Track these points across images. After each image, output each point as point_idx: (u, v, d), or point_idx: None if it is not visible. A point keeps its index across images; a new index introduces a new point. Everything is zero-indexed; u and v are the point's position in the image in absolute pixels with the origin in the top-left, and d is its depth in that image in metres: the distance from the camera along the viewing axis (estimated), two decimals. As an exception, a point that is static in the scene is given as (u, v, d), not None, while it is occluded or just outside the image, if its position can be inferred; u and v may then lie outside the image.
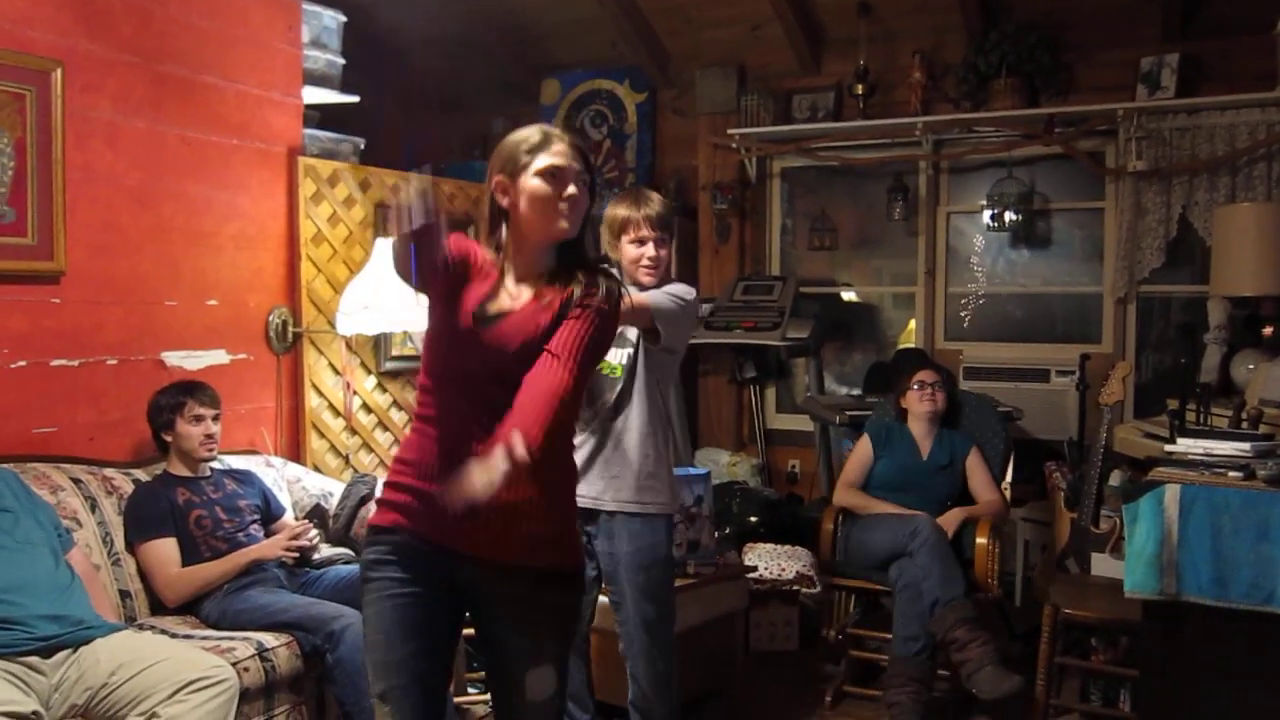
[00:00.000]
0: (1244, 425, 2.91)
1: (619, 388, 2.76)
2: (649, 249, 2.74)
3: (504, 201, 1.98)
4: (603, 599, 2.90)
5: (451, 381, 1.96)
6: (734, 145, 5.30)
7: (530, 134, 1.99)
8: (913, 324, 5.29)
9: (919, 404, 3.82)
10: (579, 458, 2.64)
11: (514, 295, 1.97)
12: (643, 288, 2.75)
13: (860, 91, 5.04)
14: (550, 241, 1.99)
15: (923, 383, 3.84)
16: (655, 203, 2.78)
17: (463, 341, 1.94)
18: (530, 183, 1.94)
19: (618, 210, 2.77)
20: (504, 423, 1.78)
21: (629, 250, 2.76)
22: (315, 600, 2.99)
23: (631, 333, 2.76)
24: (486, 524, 1.90)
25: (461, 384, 1.94)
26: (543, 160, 1.95)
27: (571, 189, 1.95)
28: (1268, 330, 3.92)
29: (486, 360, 1.93)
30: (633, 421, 2.74)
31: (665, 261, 2.80)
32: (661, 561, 2.77)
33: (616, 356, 2.78)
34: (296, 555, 3.15)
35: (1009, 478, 3.91)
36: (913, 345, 5.17)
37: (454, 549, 1.94)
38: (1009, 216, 4.85)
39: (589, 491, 2.70)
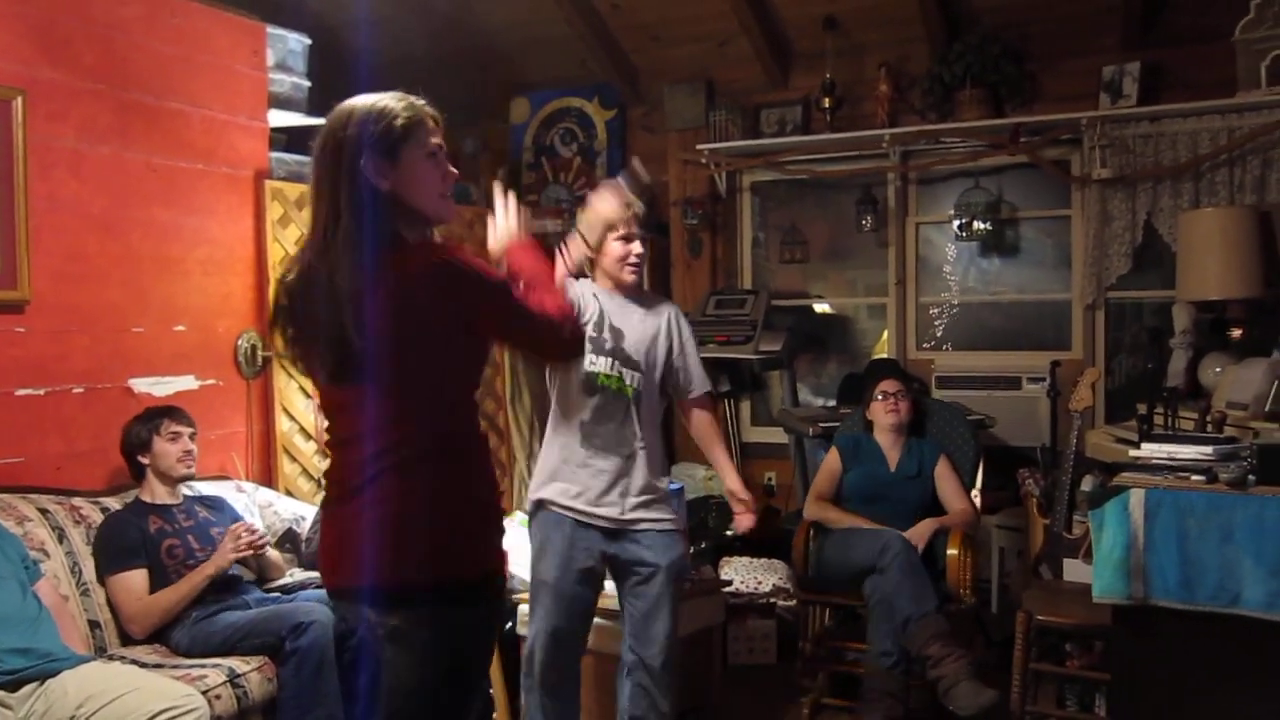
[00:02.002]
0: (1209, 429, 2.94)
1: (633, 409, 2.83)
2: (636, 246, 2.83)
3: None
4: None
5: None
6: (704, 160, 5.32)
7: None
8: (886, 334, 5.31)
9: (884, 415, 3.84)
10: (601, 481, 2.76)
11: None
12: (626, 285, 2.87)
13: (828, 105, 5.07)
14: None
15: (886, 393, 3.86)
16: (636, 202, 2.86)
17: None
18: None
19: (599, 210, 2.83)
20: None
21: (615, 248, 2.83)
22: (285, 606, 2.99)
23: (640, 354, 2.83)
24: None
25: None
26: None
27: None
28: (1236, 333, 3.96)
29: None
30: (647, 440, 2.85)
31: (645, 259, 2.91)
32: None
33: (629, 378, 2.82)
34: (250, 553, 3.09)
35: (979, 485, 3.92)
36: (886, 355, 5.20)
37: None
38: (977, 226, 4.89)
39: (611, 513, 2.80)
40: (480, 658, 1.89)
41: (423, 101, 1.86)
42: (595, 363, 2.82)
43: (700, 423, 3.01)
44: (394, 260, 1.74)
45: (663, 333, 2.92)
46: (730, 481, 2.99)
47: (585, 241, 2.85)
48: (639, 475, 2.84)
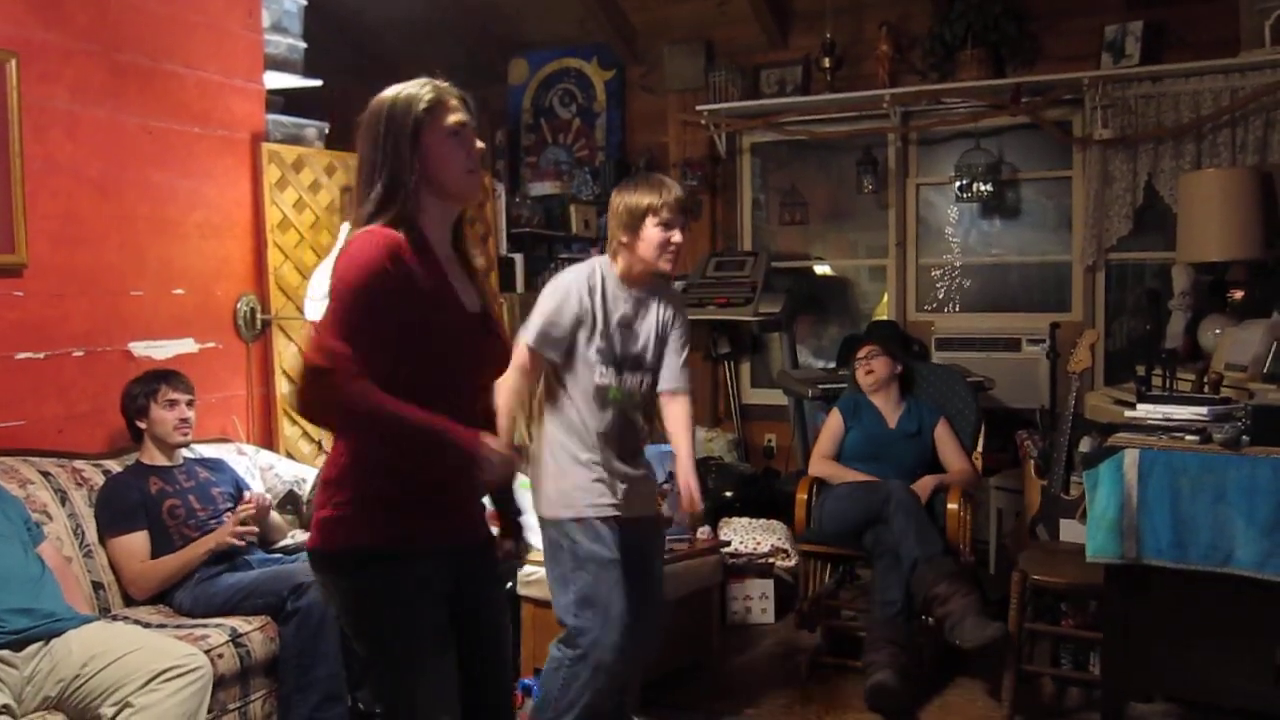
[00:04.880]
0: (1206, 390, 2.94)
1: (641, 412, 2.83)
2: (675, 234, 2.75)
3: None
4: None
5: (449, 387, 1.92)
6: (703, 121, 5.30)
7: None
8: (886, 296, 5.31)
9: (862, 378, 3.93)
10: (618, 482, 2.76)
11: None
12: (662, 273, 2.80)
13: (827, 65, 5.04)
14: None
15: (859, 359, 3.95)
16: (677, 188, 2.79)
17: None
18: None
19: (640, 196, 2.74)
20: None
21: (653, 234, 2.73)
22: (287, 567, 3.02)
23: (650, 354, 2.82)
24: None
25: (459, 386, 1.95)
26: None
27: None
28: (1237, 295, 3.95)
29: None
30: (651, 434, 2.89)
31: (682, 249, 2.82)
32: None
33: (638, 382, 2.81)
34: (254, 534, 3.10)
35: (980, 447, 3.94)
36: (886, 318, 5.20)
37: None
38: (978, 187, 4.87)
39: (629, 512, 2.79)
40: (400, 628, 1.88)
41: (447, 84, 1.96)
42: (605, 375, 2.75)
43: (675, 414, 2.90)
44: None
45: (665, 327, 2.88)
46: (684, 475, 2.85)
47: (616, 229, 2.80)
48: (647, 468, 2.87)
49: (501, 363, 2.07)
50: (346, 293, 1.78)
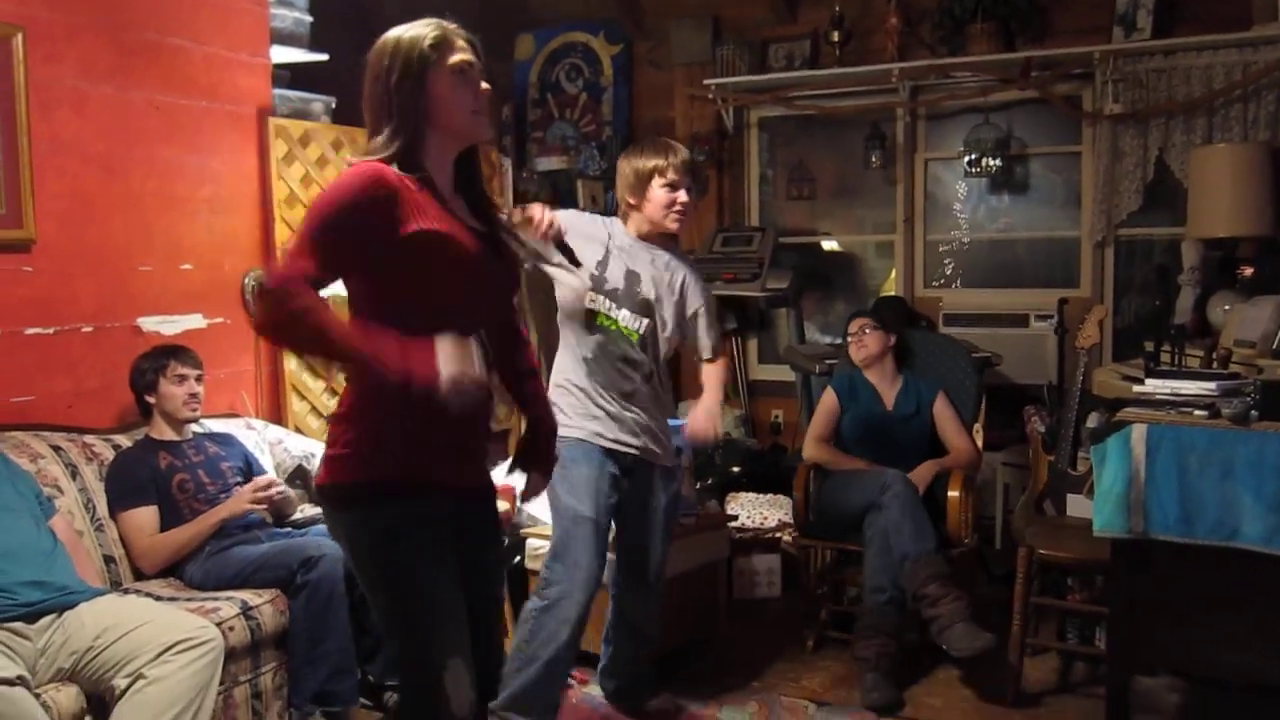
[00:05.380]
0: (1214, 365, 2.94)
1: (635, 351, 2.85)
2: (681, 194, 2.84)
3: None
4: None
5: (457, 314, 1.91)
6: (710, 96, 5.27)
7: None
8: (893, 272, 5.29)
9: (856, 352, 3.90)
10: (608, 417, 2.83)
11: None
12: (669, 234, 2.90)
13: (836, 39, 5.00)
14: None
15: (851, 332, 3.92)
16: (684, 151, 2.90)
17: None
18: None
19: (646, 159, 2.84)
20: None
21: (660, 195, 2.83)
22: (297, 540, 3.04)
23: (650, 301, 2.86)
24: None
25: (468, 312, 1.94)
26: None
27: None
28: (1247, 271, 3.93)
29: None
30: (658, 380, 2.92)
31: (691, 210, 2.91)
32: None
33: (633, 322, 2.85)
34: (266, 508, 3.15)
35: (982, 422, 3.93)
36: (893, 294, 5.19)
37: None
38: (987, 162, 4.84)
39: (636, 442, 2.87)
40: (390, 562, 1.89)
41: (454, 25, 1.95)
42: (595, 301, 2.83)
43: (709, 370, 3.03)
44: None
45: (677, 291, 2.93)
46: (701, 405, 2.92)
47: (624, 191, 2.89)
48: (641, 414, 2.88)
49: (512, 288, 2.09)
50: (311, 217, 1.82)
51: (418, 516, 1.88)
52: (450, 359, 1.75)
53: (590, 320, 2.84)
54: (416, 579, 1.90)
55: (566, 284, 2.85)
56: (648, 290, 2.87)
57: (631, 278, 2.86)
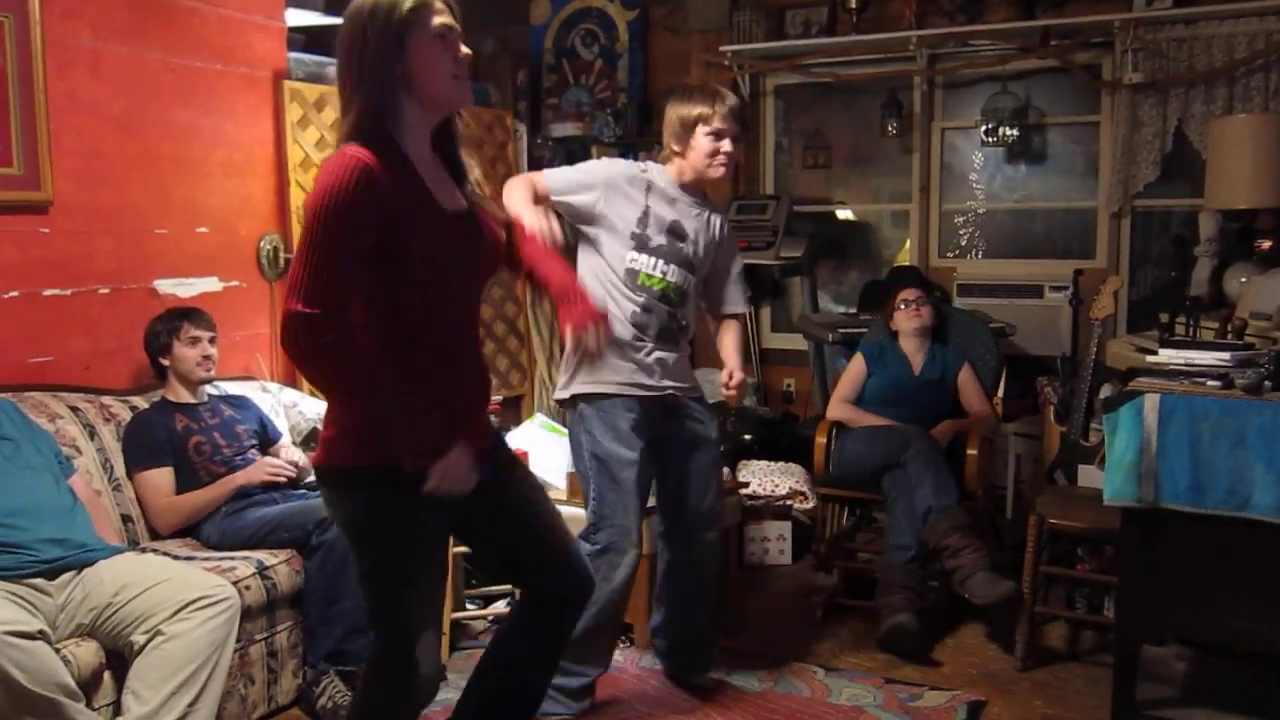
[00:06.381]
0: (1229, 337, 2.93)
1: (677, 307, 2.84)
2: (725, 144, 2.79)
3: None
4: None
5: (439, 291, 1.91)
6: (726, 63, 5.24)
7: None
8: (908, 242, 5.28)
9: (907, 321, 3.87)
10: (647, 367, 2.81)
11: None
12: (711, 182, 2.86)
13: (853, 6, 4.96)
14: None
15: (907, 300, 3.88)
16: (731, 97, 2.82)
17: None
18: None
19: (691, 106, 2.78)
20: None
21: (704, 143, 2.78)
22: (312, 501, 3.07)
23: (692, 254, 2.84)
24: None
25: (449, 288, 1.94)
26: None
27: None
28: (1265, 244, 3.91)
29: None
30: (691, 330, 2.94)
31: (736, 159, 2.87)
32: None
33: (676, 275, 2.82)
34: (284, 480, 3.17)
35: (1000, 393, 3.94)
36: (908, 263, 5.17)
37: None
38: (1004, 131, 4.81)
39: (674, 384, 2.86)
40: (383, 544, 1.91)
41: None
42: (636, 260, 2.78)
43: (729, 325, 3.01)
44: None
45: (715, 238, 2.91)
46: (730, 363, 2.92)
47: (669, 138, 2.84)
48: (676, 358, 2.87)
49: (492, 261, 2.05)
50: (316, 228, 1.74)
51: (414, 498, 1.85)
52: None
53: (632, 280, 2.79)
54: (405, 562, 1.92)
55: (606, 244, 2.79)
56: (691, 243, 2.84)
57: (674, 231, 2.81)
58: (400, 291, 1.84)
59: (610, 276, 2.80)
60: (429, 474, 1.80)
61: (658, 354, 2.82)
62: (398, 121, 1.85)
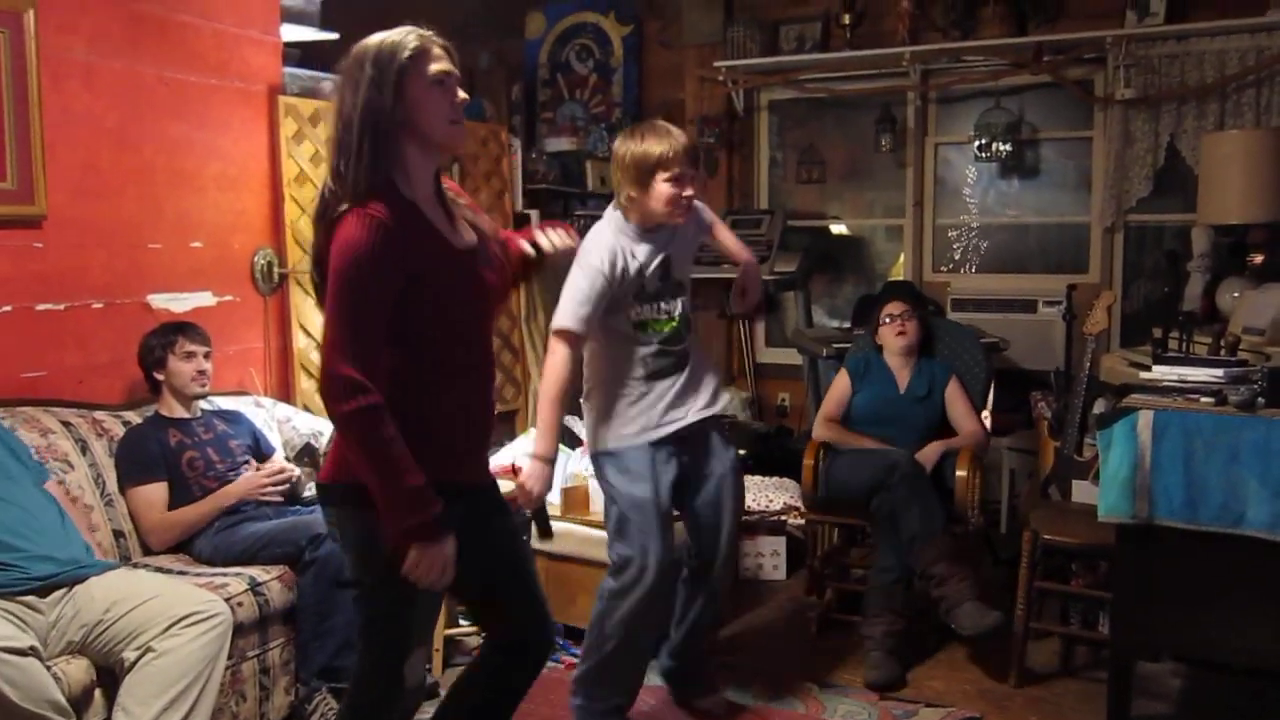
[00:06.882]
0: (1222, 352, 2.93)
1: (683, 332, 2.85)
2: (688, 190, 2.71)
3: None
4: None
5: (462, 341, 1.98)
6: (721, 78, 5.26)
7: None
8: (902, 256, 5.29)
9: (892, 338, 3.81)
10: (664, 402, 2.80)
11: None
12: (674, 228, 2.80)
13: (847, 21, 4.99)
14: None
15: (892, 315, 3.83)
16: (682, 135, 2.73)
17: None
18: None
19: (648, 147, 2.67)
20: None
21: (664, 189, 2.68)
22: (305, 517, 3.06)
23: (684, 274, 2.86)
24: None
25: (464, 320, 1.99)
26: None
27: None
28: (1258, 259, 3.92)
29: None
30: (696, 352, 2.92)
31: (695, 197, 2.82)
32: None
33: (677, 306, 2.84)
34: (279, 494, 3.18)
35: (990, 407, 3.93)
36: (902, 278, 5.18)
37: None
38: (997, 147, 4.83)
39: (681, 416, 2.82)
40: (389, 560, 1.90)
41: (430, 32, 1.93)
42: (640, 312, 2.78)
43: (716, 229, 3.02)
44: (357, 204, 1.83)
45: (689, 240, 2.91)
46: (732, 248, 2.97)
47: (621, 186, 2.77)
48: (691, 376, 2.85)
49: (500, 291, 2.11)
50: (347, 289, 1.80)
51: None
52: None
53: (638, 332, 2.78)
54: (405, 581, 1.91)
55: (611, 310, 2.76)
56: (678, 269, 2.84)
57: (661, 269, 2.79)
58: (422, 332, 1.89)
59: (623, 331, 2.79)
60: (406, 560, 1.83)
61: (675, 386, 2.81)
62: (401, 167, 1.89)
